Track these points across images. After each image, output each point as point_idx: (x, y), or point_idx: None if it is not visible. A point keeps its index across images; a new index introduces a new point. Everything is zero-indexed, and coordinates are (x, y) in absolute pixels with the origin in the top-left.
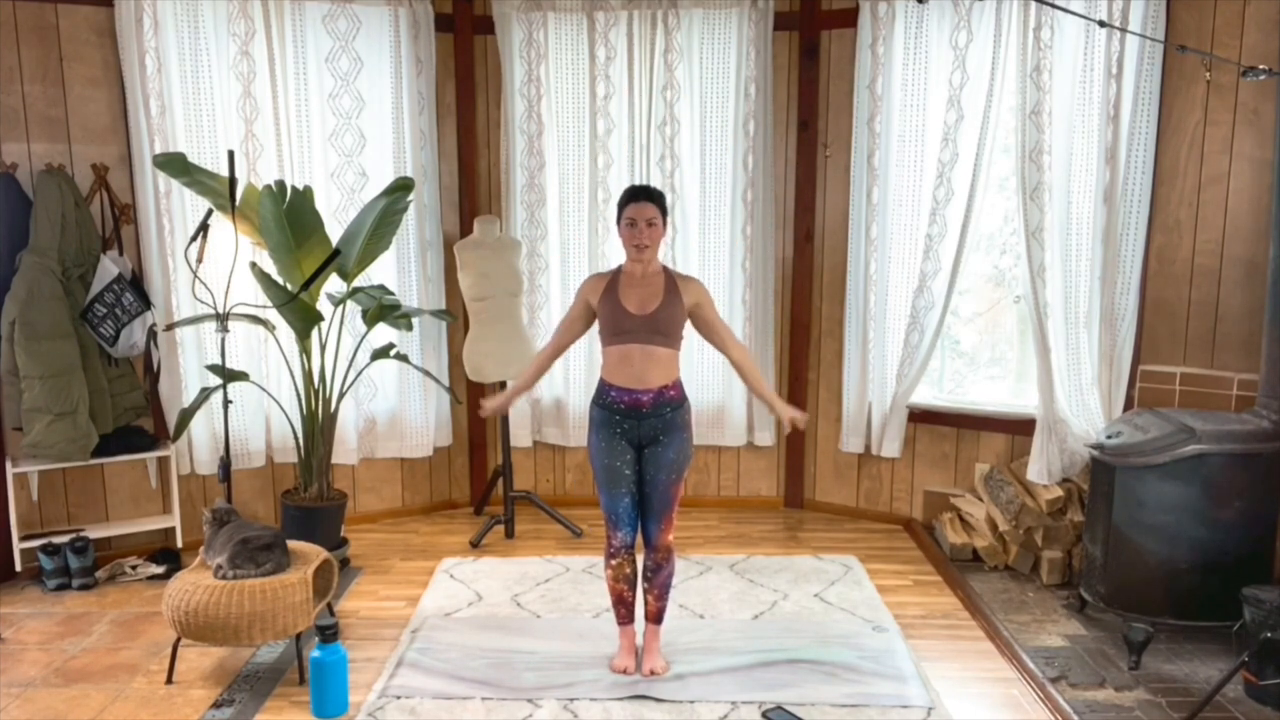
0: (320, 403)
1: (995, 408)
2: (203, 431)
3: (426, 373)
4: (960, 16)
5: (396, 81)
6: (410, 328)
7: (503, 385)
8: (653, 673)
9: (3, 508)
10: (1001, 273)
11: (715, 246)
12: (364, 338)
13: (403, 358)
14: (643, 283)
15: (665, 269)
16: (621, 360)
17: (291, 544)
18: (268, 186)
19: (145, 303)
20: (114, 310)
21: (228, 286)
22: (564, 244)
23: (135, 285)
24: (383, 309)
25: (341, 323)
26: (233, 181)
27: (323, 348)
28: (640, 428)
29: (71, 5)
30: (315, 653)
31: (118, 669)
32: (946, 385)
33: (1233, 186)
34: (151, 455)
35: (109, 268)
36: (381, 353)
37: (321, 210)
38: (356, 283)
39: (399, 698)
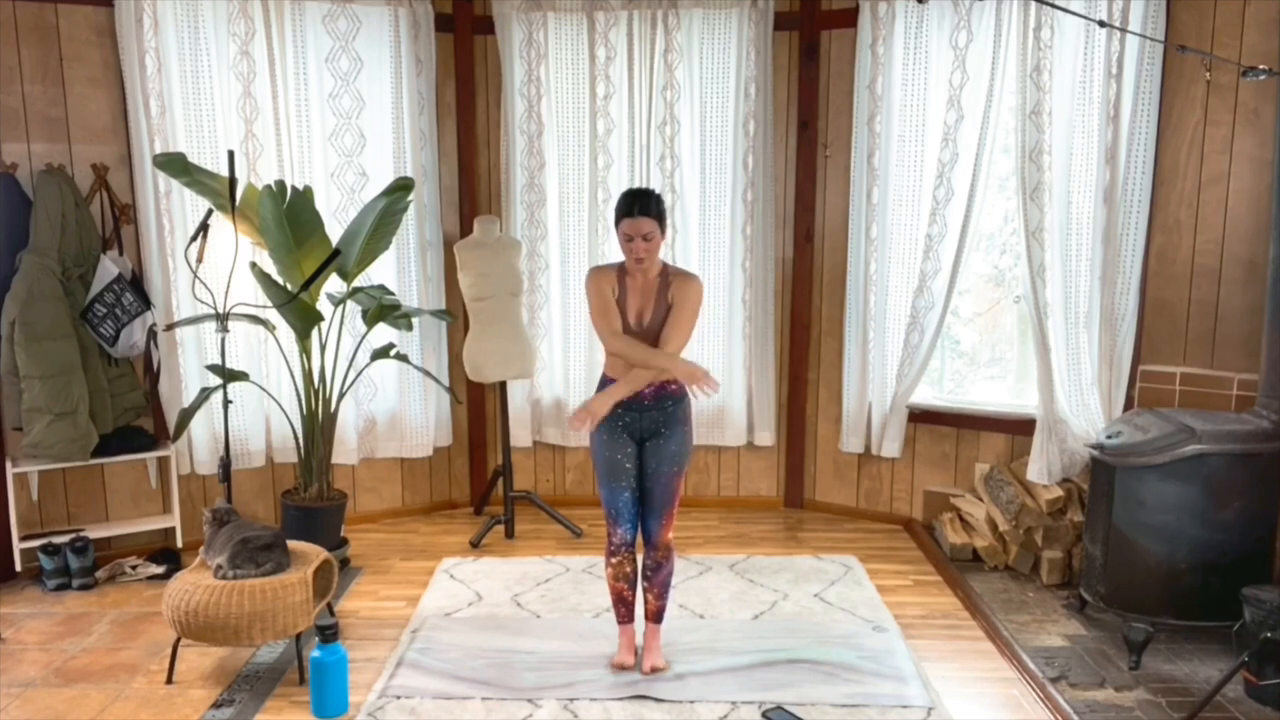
0: (320, 403)
1: (995, 408)
2: (203, 431)
3: (426, 373)
4: (960, 16)
5: (396, 81)
6: (410, 328)
7: (503, 385)
8: (654, 670)
9: (3, 508)
10: (1001, 273)
11: (715, 246)
12: (364, 338)
13: (403, 358)
14: (641, 289)
15: (665, 268)
16: (615, 362)
17: (291, 544)
18: (268, 186)
19: (145, 303)
20: (114, 310)
21: (228, 286)
22: (564, 244)
23: (135, 285)
24: (383, 309)
25: (341, 323)
26: (233, 181)
27: (323, 348)
28: (641, 420)
29: (71, 5)
30: (315, 653)
31: (118, 669)
32: (946, 385)
33: (1233, 186)
34: (151, 455)
35: (109, 268)
36: (381, 353)
37: (321, 210)
38: (356, 283)
39: (399, 698)
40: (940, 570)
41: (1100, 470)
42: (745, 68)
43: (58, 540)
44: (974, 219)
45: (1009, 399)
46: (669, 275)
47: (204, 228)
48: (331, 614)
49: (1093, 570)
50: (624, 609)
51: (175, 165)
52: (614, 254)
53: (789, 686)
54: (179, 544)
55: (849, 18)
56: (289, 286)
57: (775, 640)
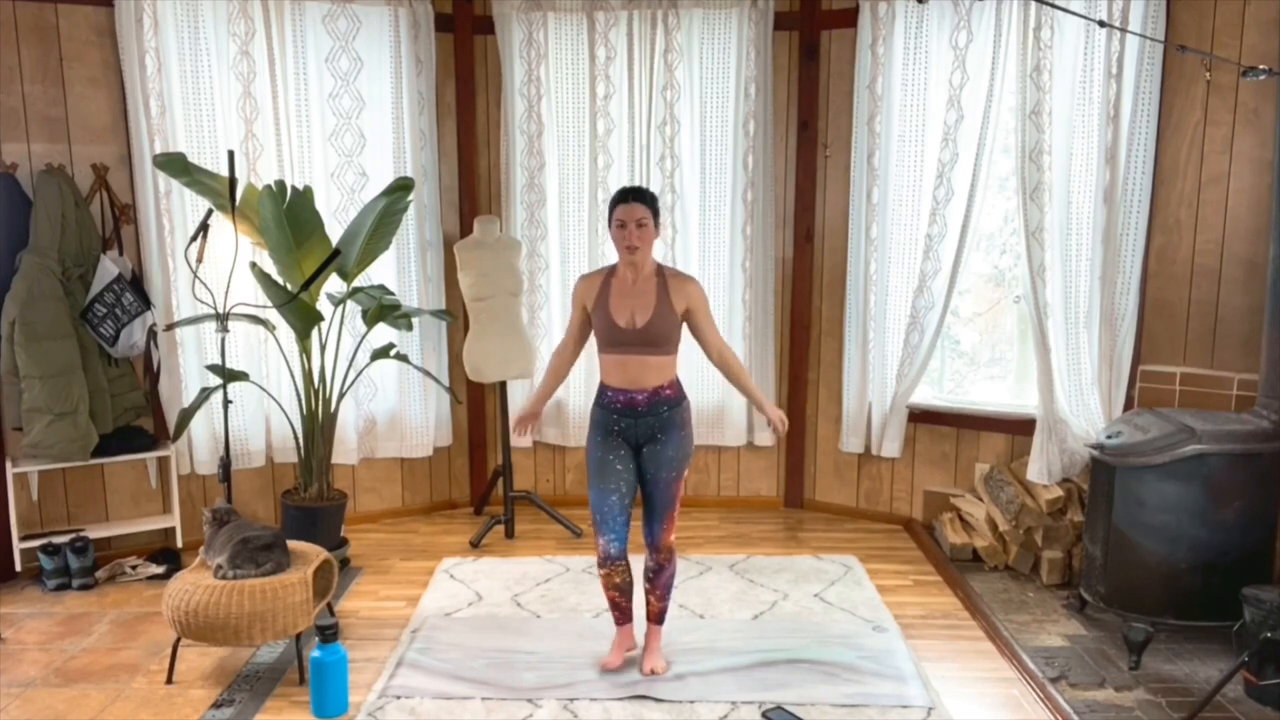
0: (320, 403)
1: (995, 408)
2: (203, 431)
3: (426, 373)
4: (960, 16)
5: (396, 81)
6: (410, 328)
7: (503, 385)
8: (653, 672)
9: (3, 508)
10: (1001, 273)
11: (715, 246)
12: (364, 338)
13: (403, 358)
14: (635, 290)
15: (661, 269)
16: (616, 366)
17: (291, 544)
18: (268, 186)
19: (145, 303)
20: (114, 310)
21: (228, 286)
22: (564, 244)
23: (135, 285)
24: (383, 309)
25: (341, 323)
26: (233, 181)
27: (323, 348)
28: (637, 426)
29: (71, 5)
30: (315, 653)
31: (118, 669)
32: (946, 385)
33: (1233, 186)
34: (151, 455)
35: (109, 268)
36: (381, 353)
37: (321, 210)
38: (356, 283)
39: (399, 698)
40: (940, 570)
41: (1100, 470)
42: (745, 68)
43: (58, 540)
44: (974, 219)
45: (1009, 399)
46: (665, 276)
47: (204, 228)
48: (331, 614)
49: (1093, 570)
50: (618, 613)
51: (175, 165)
52: (614, 254)
53: (789, 686)
54: (179, 544)
55: (849, 18)
56: (289, 286)
57: (775, 640)
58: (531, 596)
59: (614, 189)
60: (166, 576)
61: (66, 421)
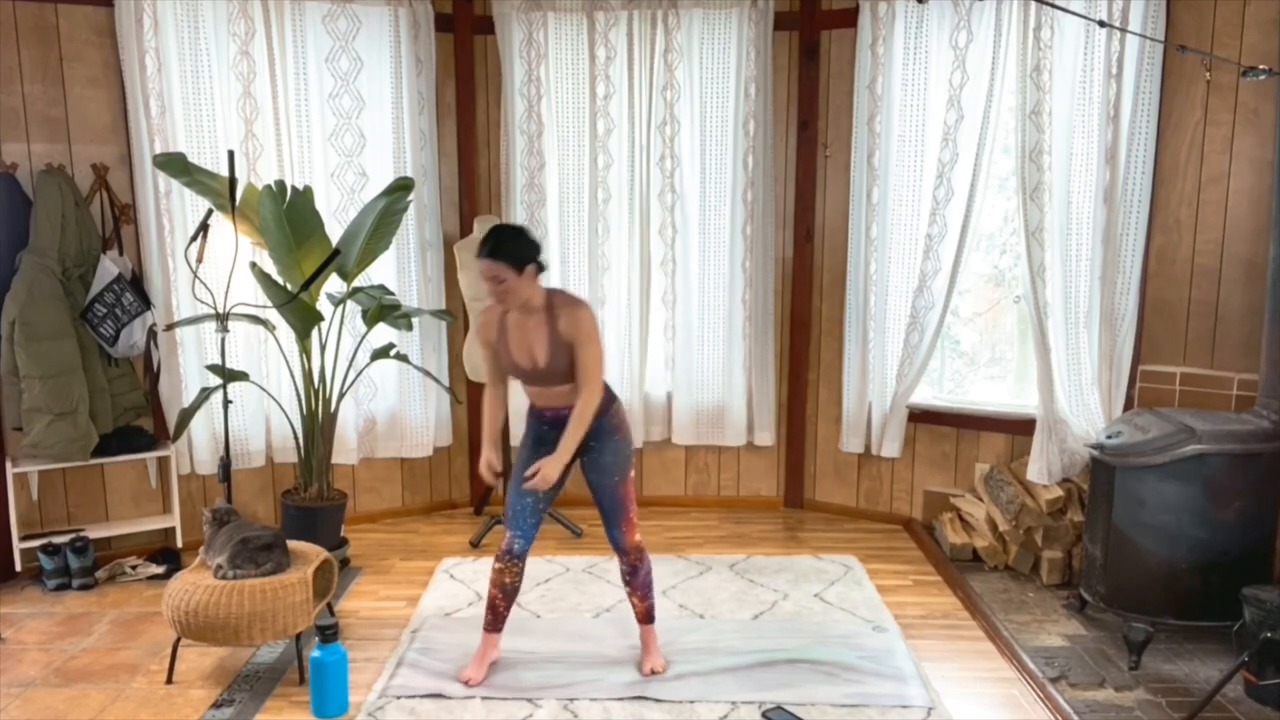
0: (320, 403)
1: (995, 408)
2: (203, 431)
3: (426, 373)
4: (960, 16)
5: (396, 81)
6: (410, 328)
7: None
8: (653, 672)
9: (3, 508)
10: (1001, 273)
11: (715, 246)
12: (364, 338)
13: (403, 358)
14: (528, 325)
15: (550, 299)
16: (535, 394)
17: (291, 544)
18: (268, 186)
19: (145, 303)
20: (114, 310)
21: (228, 286)
22: (564, 244)
23: (135, 285)
24: (383, 309)
25: (341, 323)
26: (233, 181)
27: (323, 348)
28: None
29: (71, 5)
30: (315, 653)
31: (118, 669)
32: (946, 385)
33: (1233, 186)
34: (151, 455)
35: (109, 268)
36: (381, 353)
37: (321, 210)
38: (356, 283)
39: (399, 698)
40: (940, 570)
41: (1100, 470)
42: (745, 68)
43: (58, 540)
44: (974, 219)
45: (1009, 399)
46: (555, 306)
47: (204, 228)
48: (331, 614)
49: (1093, 570)
50: (492, 616)
51: (175, 165)
52: (614, 255)
53: (789, 686)
54: (179, 544)
55: (849, 18)
56: (289, 286)
57: (775, 640)
58: (531, 596)
59: (614, 189)
60: (166, 576)
61: (66, 421)
